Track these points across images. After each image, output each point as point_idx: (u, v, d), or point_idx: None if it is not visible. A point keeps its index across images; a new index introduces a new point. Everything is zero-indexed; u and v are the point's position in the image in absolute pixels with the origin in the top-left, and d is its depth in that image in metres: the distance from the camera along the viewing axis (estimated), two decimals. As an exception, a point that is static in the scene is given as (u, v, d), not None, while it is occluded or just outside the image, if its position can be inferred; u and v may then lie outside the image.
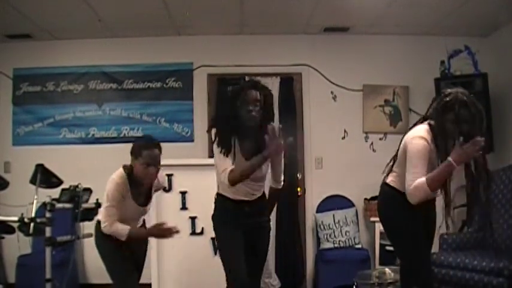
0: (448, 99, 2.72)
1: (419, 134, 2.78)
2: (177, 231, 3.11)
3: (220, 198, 2.88)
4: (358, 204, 5.39)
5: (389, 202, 2.96)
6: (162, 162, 4.35)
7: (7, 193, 4.49)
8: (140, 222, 3.32)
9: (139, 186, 3.13)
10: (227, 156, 2.71)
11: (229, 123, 2.72)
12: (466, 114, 2.67)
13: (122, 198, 3.02)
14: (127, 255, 3.13)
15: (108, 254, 3.14)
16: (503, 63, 5.23)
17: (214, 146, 2.76)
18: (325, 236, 5.18)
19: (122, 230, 2.97)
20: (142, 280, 4.55)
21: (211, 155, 3.02)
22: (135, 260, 3.26)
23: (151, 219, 4.38)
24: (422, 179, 2.63)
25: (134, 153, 3.04)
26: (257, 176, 2.78)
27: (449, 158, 2.59)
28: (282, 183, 3.01)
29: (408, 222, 2.86)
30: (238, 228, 2.83)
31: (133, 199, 3.11)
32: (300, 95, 5.63)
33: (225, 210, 2.86)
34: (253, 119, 2.69)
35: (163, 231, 3.09)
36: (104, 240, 3.14)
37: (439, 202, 2.92)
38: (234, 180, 2.68)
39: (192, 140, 5.43)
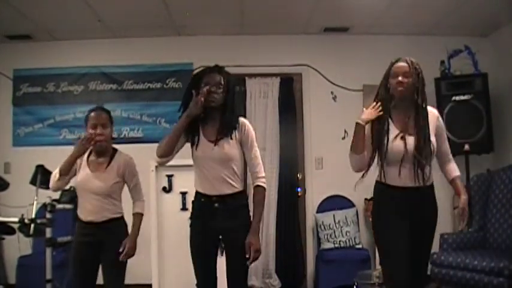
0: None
1: None
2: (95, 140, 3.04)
3: (195, 197, 2.82)
4: (359, 204, 5.39)
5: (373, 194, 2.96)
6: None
7: (7, 194, 4.50)
8: (113, 213, 3.11)
9: (97, 154, 3.16)
10: (193, 142, 2.73)
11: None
12: (403, 66, 2.75)
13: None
14: (84, 259, 3.08)
15: (71, 251, 3.16)
16: (503, 63, 5.23)
17: None
18: (326, 236, 5.18)
19: (54, 171, 3.09)
20: (143, 280, 4.57)
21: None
22: (109, 258, 3.08)
23: (151, 219, 4.40)
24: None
25: (85, 120, 3.16)
26: (221, 156, 2.69)
27: (358, 120, 2.76)
28: (263, 179, 2.79)
29: (379, 210, 2.85)
30: (210, 236, 2.73)
31: (89, 167, 3.12)
32: (300, 95, 5.64)
33: (197, 212, 2.78)
34: (214, 100, 2.68)
35: (83, 143, 3.04)
36: (76, 236, 3.14)
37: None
38: (160, 148, 2.70)
39: (192, 141, 5.42)
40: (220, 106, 2.72)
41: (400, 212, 2.72)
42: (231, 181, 2.72)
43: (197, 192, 2.80)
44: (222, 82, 2.72)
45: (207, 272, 2.78)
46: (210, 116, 2.74)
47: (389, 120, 2.77)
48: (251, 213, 2.80)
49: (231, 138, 2.72)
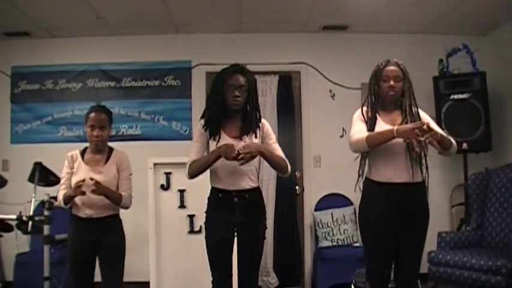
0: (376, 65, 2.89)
1: None
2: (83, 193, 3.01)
3: (211, 193, 2.89)
4: (357, 202, 5.38)
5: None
6: (160, 161, 4.37)
7: (5, 191, 4.49)
8: (111, 209, 3.12)
9: (94, 152, 3.22)
10: (214, 139, 2.80)
11: (216, 107, 2.83)
12: (395, 70, 2.79)
13: (72, 168, 3.17)
14: (82, 255, 3.08)
15: (68, 250, 3.17)
16: (502, 61, 5.23)
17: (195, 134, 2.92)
18: (324, 234, 5.19)
19: (60, 196, 3.14)
20: (141, 278, 4.57)
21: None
22: (106, 255, 3.11)
23: (149, 217, 4.39)
24: (364, 135, 2.71)
25: (85, 117, 3.19)
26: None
27: (396, 127, 2.64)
28: (288, 167, 3.02)
29: (365, 207, 2.83)
30: (227, 230, 2.80)
31: (87, 164, 3.16)
32: (299, 93, 5.63)
33: (214, 207, 2.85)
34: (239, 104, 2.81)
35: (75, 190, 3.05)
36: (72, 235, 3.15)
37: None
38: (191, 173, 2.81)
39: (191, 138, 5.37)
40: (242, 106, 2.85)
41: (388, 210, 2.72)
42: (251, 176, 2.85)
43: (214, 188, 2.87)
44: (245, 83, 2.83)
45: (224, 265, 2.83)
46: (231, 115, 2.87)
47: (378, 117, 2.81)
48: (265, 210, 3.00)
49: (256, 137, 2.85)
